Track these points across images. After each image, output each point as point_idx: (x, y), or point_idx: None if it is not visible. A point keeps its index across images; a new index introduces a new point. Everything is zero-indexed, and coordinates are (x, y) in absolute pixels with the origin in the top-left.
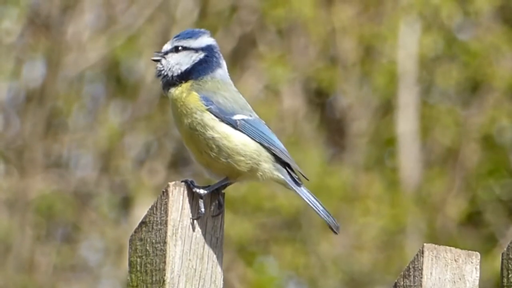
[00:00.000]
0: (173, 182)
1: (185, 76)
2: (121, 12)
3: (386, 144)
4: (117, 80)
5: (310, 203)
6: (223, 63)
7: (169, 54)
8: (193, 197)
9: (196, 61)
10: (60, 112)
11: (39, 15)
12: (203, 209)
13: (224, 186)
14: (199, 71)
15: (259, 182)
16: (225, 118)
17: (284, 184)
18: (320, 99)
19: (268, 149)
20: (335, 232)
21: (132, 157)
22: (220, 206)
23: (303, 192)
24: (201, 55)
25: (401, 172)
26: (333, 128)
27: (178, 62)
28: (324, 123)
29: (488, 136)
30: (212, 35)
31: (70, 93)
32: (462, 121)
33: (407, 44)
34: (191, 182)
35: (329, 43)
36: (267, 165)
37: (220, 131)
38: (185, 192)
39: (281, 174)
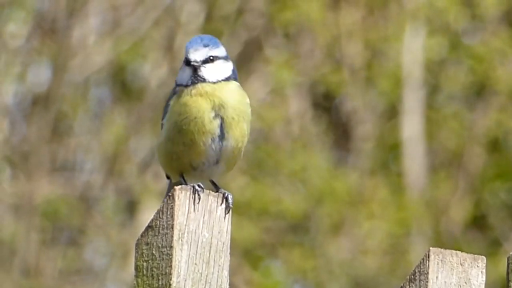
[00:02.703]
0: (180, 186)
1: (226, 79)
2: (126, 16)
3: (391, 147)
4: (122, 84)
5: None
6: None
7: (208, 64)
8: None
9: (232, 69)
10: (66, 116)
11: (45, 19)
12: (201, 194)
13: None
14: (235, 75)
15: None
16: None
17: None
18: (326, 103)
19: None
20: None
21: (138, 161)
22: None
23: None
24: (231, 64)
25: (406, 175)
26: (339, 132)
27: (219, 71)
28: (330, 127)
29: (493, 139)
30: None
31: (75, 97)
32: (468, 125)
33: (413, 48)
34: (198, 185)
35: (335, 46)
36: None
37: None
38: (191, 196)
39: None
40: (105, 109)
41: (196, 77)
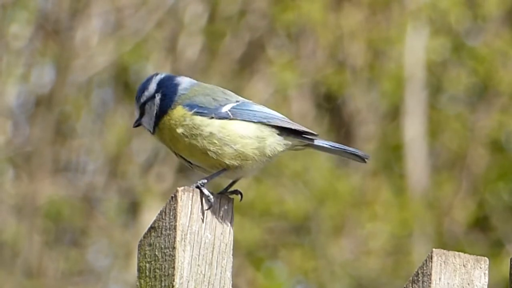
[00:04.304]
0: (182, 187)
1: (164, 112)
2: (129, 17)
3: (394, 148)
4: (125, 85)
5: (330, 147)
6: (182, 77)
7: (143, 117)
8: (202, 195)
9: (160, 100)
10: (69, 117)
11: (48, 20)
12: (211, 196)
13: (232, 184)
14: (168, 99)
15: (270, 162)
16: (215, 114)
17: (297, 145)
18: (328, 104)
19: (269, 125)
20: (367, 158)
21: (140, 162)
22: (239, 193)
23: (320, 141)
24: (159, 95)
25: (408, 176)
26: (342, 133)
27: (151, 113)
28: (332, 128)
29: (495, 140)
30: (157, 72)
31: (78, 98)
32: (470, 126)
33: (415, 49)
34: (202, 184)
35: (337, 47)
36: (273, 139)
37: (215, 125)
38: (194, 197)
39: (290, 139)
40: (108, 110)
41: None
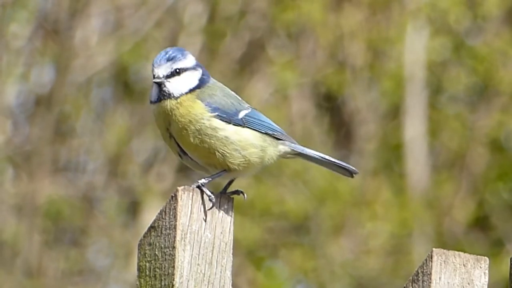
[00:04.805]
0: (182, 187)
1: (193, 89)
2: (129, 16)
3: (394, 148)
4: (125, 85)
5: (320, 158)
6: (207, 72)
7: (173, 78)
8: (203, 196)
9: (199, 78)
10: (68, 116)
11: (48, 20)
12: (212, 196)
13: (230, 183)
14: (201, 85)
15: (265, 166)
16: (232, 120)
17: (289, 152)
18: (328, 103)
19: (270, 135)
20: (355, 173)
21: (140, 161)
22: (241, 192)
23: (309, 151)
24: (199, 72)
25: (409, 176)
26: (342, 132)
27: (185, 83)
28: (332, 127)
29: (495, 140)
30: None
31: (78, 98)
32: (470, 125)
33: (415, 49)
34: (202, 184)
35: (337, 47)
36: (273, 149)
37: (230, 130)
38: (194, 196)
39: (284, 147)
40: (108, 109)
41: (160, 93)
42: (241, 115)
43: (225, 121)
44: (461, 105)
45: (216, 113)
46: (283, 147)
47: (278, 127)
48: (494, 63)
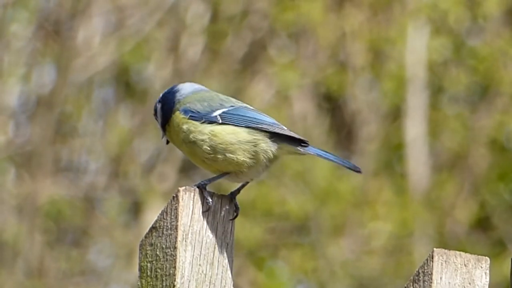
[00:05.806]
0: (183, 187)
1: (167, 120)
2: (130, 16)
3: (395, 148)
4: (126, 85)
5: (323, 156)
6: (186, 84)
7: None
8: (203, 196)
9: (160, 109)
10: (70, 117)
11: (49, 20)
12: (209, 199)
13: (239, 190)
14: (167, 107)
15: (271, 165)
16: (206, 118)
17: (292, 150)
18: (329, 104)
19: (259, 129)
20: (358, 171)
21: (142, 161)
22: (236, 209)
23: (312, 149)
24: (159, 104)
25: (410, 176)
26: (343, 133)
27: (158, 123)
28: (333, 128)
29: (496, 140)
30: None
31: (79, 98)
32: (471, 126)
33: (416, 49)
34: (203, 185)
35: (338, 47)
36: (265, 144)
37: (206, 131)
38: (195, 197)
39: (283, 145)
40: (109, 110)
41: (164, 134)
42: (217, 113)
43: (199, 121)
44: (462, 105)
45: (189, 115)
46: (279, 146)
47: (267, 119)
48: (494, 63)
